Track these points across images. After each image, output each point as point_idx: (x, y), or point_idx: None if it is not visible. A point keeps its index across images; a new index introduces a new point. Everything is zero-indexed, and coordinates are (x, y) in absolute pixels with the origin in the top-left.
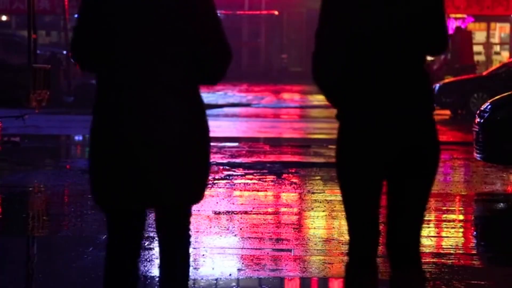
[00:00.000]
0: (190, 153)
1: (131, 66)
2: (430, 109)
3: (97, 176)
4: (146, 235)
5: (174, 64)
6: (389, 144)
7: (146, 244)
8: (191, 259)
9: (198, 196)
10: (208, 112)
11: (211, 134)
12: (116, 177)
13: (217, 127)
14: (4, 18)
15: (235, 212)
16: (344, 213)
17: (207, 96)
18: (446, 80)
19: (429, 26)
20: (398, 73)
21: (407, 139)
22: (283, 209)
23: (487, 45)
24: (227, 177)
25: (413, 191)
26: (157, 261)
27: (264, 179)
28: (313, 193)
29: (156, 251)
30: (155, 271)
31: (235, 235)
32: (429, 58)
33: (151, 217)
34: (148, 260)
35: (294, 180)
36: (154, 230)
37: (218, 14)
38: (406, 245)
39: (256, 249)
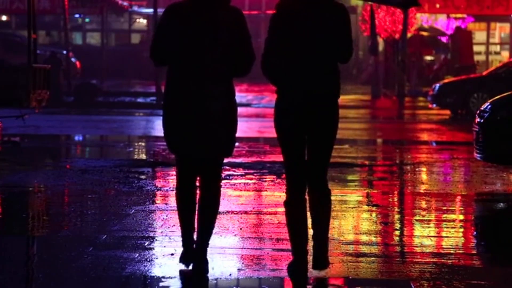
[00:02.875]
0: (226, 121)
1: (192, 64)
2: (335, 95)
3: (170, 134)
4: (146, 235)
5: (219, 63)
6: (305, 112)
7: (146, 244)
8: None
9: (230, 152)
10: None
11: None
12: (181, 135)
13: None
14: (4, 18)
15: (235, 212)
16: (341, 213)
17: None
18: (446, 80)
19: (337, 43)
20: (316, 70)
21: (318, 110)
22: (283, 209)
23: None
24: (227, 177)
25: (321, 143)
26: (157, 261)
27: (264, 179)
28: None
29: (156, 251)
30: (155, 271)
31: (235, 235)
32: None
33: (150, 218)
34: (148, 260)
35: None
36: (154, 230)
37: (249, 31)
38: (316, 176)
39: (256, 249)
